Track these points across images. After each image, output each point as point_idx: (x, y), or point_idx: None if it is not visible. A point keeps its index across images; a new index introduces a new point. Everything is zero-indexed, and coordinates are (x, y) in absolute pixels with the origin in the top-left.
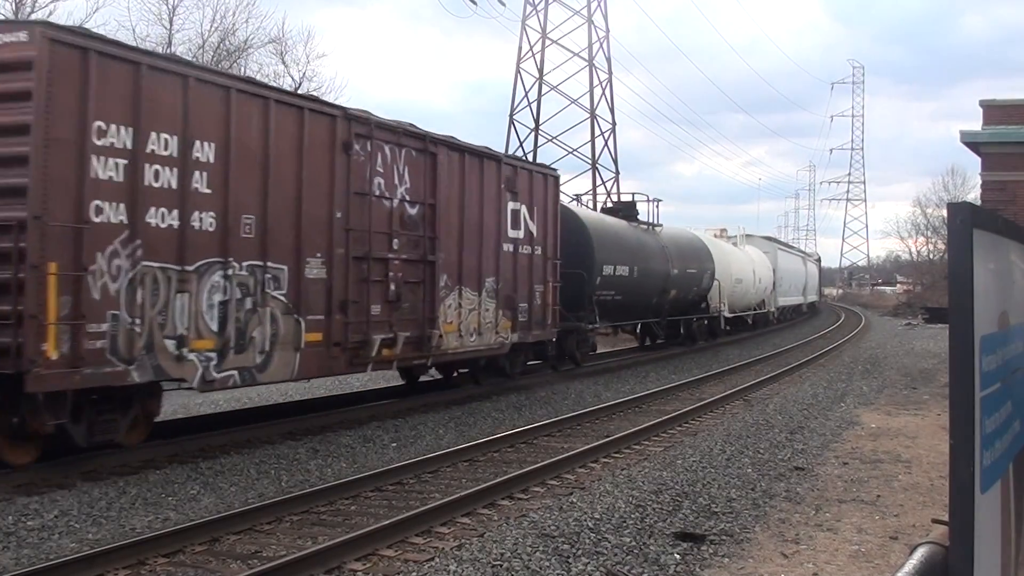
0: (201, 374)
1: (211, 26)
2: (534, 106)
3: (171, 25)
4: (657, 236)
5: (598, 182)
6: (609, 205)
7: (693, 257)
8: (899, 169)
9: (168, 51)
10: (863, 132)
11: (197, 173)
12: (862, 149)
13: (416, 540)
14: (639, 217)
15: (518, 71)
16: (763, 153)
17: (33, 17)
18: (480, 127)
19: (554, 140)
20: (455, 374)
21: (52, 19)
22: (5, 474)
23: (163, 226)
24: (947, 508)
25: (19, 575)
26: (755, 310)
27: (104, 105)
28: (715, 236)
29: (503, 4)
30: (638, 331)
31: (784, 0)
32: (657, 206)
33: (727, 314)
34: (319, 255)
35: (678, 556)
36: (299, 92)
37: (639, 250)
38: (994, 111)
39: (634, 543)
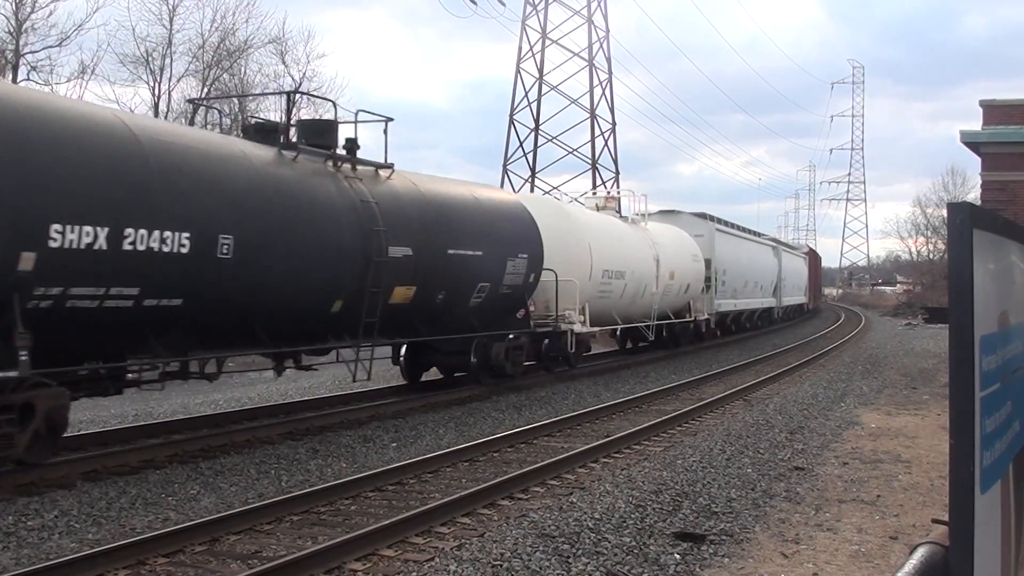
0: None
1: (211, 26)
2: (534, 106)
3: (171, 25)
4: (360, 183)
5: (598, 182)
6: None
7: (479, 230)
8: (899, 169)
9: (168, 51)
10: (863, 132)
11: None
12: (862, 149)
13: (416, 540)
14: (354, 155)
15: (518, 71)
16: (763, 153)
17: (33, 17)
18: (480, 127)
19: (554, 140)
20: None
21: (51, 19)
22: (5, 474)
23: None
24: (947, 508)
25: (19, 575)
26: (670, 319)
27: None
28: (598, 207)
29: (503, 4)
30: (402, 359)
31: None
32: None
33: (581, 328)
34: None
35: (678, 556)
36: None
37: (259, 201)
38: (994, 111)
39: (634, 543)
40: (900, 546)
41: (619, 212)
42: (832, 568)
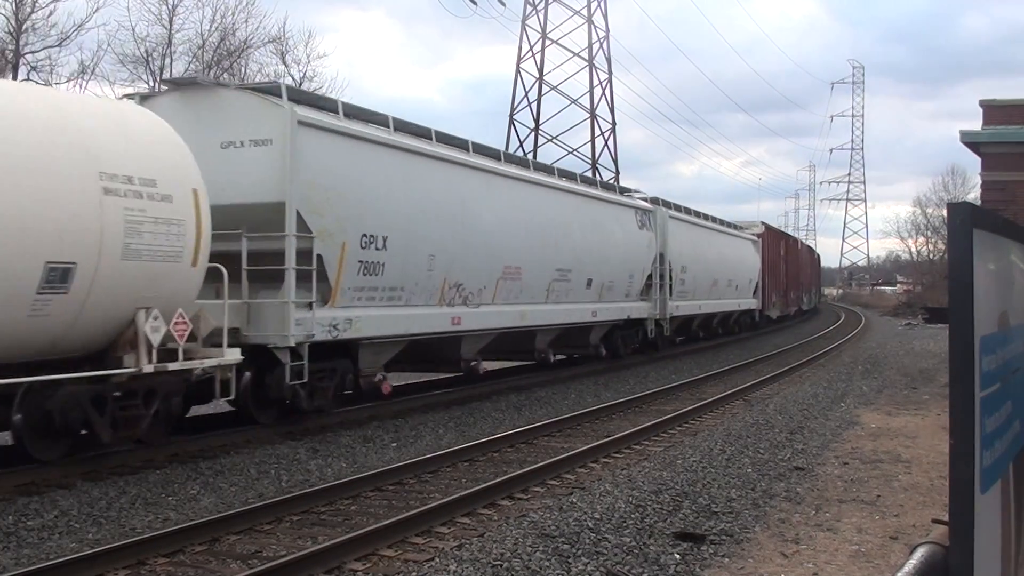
0: None
1: (211, 26)
2: (534, 106)
3: (171, 25)
4: None
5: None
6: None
7: None
8: (899, 169)
9: (168, 51)
10: (863, 132)
11: None
12: (862, 149)
13: (416, 540)
14: None
15: (518, 71)
16: (763, 153)
17: (33, 17)
18: (480, 127)
19: (554, 140)
20: None
21: (52, 19)
22: (5, 474)
23: None
24: (947, 508)
25: (19, 575)
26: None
27: None
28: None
29: (503, 4)
30: None
31: None
32: None
33: None
34: None
35: (678, 556)
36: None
37: None
38: (994, 111)
39: (634, 543)
40: (900, 546)
41: None
42: (832, 568)
